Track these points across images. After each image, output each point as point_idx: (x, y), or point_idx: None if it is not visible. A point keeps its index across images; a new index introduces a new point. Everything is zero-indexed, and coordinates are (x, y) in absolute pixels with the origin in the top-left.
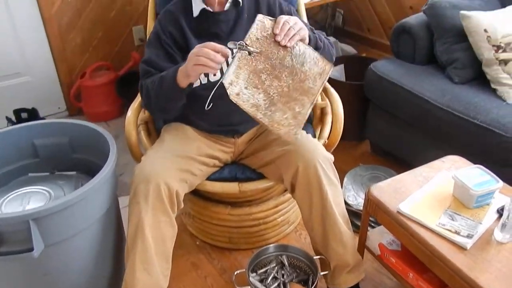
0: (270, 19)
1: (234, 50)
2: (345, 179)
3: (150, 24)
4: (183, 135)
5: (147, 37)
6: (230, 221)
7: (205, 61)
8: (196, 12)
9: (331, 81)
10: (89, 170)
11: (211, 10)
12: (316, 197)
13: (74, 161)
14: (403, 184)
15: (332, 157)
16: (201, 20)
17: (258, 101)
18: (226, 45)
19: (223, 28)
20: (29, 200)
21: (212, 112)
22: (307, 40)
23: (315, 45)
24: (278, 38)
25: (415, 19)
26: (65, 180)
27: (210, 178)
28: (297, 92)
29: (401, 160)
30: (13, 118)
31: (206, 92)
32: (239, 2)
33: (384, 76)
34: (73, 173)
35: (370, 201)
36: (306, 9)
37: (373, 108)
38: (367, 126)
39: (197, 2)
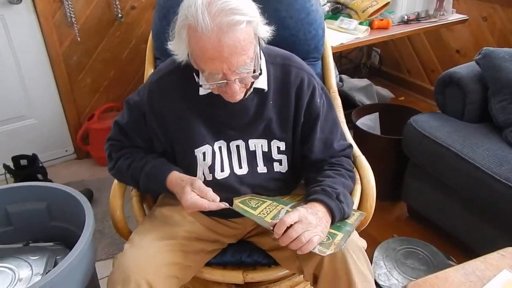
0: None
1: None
2: (376, 253)
3: (148, 70)
4: (179, 216)
5: (133, 93)
6: None
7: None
8: (203, 91)
9: (362, 134)
10: (68, 240)
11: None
12: None
13: (51, 229)
14: (449, 285)
15: (365, 245)
16: (208, 101)
17: None
18: (239, 136)
19: (239, 119)
20: None
21: (221, 211)
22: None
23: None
24: (276, 236)
25: (465, 69)
26: (38, 255)
27: (209, 262)
28: None
29: (443, 232)
30: (11, 165)
31: (212, 189)
32: (264, 89)
33: (426, 134)
34: (49, 244)
35: None
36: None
37: (412, 167)
38: (405, 186)
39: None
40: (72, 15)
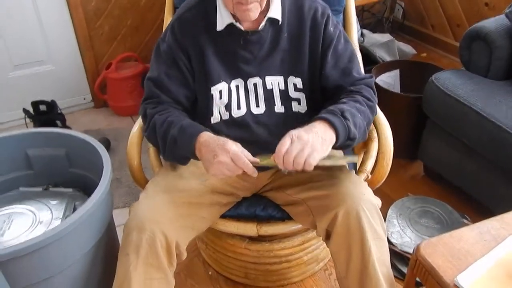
0: None
1: None
2: (389, 211)
3: (167, 19)
4: (194, 167)
5: (156, 44)
6: (247, 256)
7: (229, 174)
8: (220, 26)
9: (381, 91)
10: (86, 187)
11: (241, 28)
12: (356, 251)
13: (70, 175)
14: (464, 244)
15: (379, 203)
16: (226, 36)
17: None
18: (256, 72)
19: (254, 51)
20: (10, 224)
21: None
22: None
23: (344, 143)
24: (280, 167)
25: (494, 23)
26: (58, 199)
27: (223, 215)
28: None
29: (460, 191)
30: (31, 110)
31: (228, 130)
32: (278, 20)
33: (448, 92)
34: (68, 190)
35: (419, 263)
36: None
37: (431, 126)
38: (422, 145)
39: (223, 14)
40: None
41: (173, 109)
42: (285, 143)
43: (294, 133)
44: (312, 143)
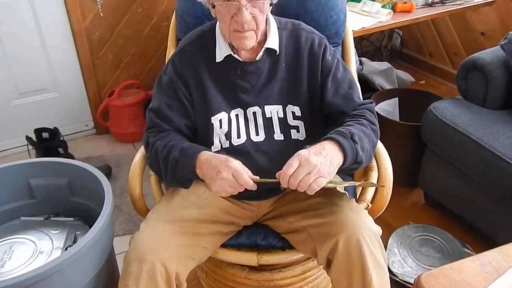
0: None
1: None
2: (390, 240)
3: (170, 50)
4: (195, 197)
5: (158, 76)
6: (247, 286)
7: (230, 190)
8: (219, 57)
9: (381, 119)
10: (88, 216)
11: (239, 59)
12: (357, 280)
13: (72, 204)
14: (464, 276)
15: (380, 231)
16: (224, 67)
17: None
18: (255, 102)
19: (252, 81)
20: (11, 254)
21: None
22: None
23: (350, 166)
24: (283, 186)
25: (489, 54)
26: (59, 229)
27: (224, 244)
28: None
29: (460, 219)
30: (34, 138)
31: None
32: (275, 50)
33: (446, 121)
34: (70, 219)
35: None
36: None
37: (430, 154)
38: (422, 173)
39: (222, 46)
40: None
41: (174, 135)
42: (293, 165)
43: (303, 154)
44: (320, 168)
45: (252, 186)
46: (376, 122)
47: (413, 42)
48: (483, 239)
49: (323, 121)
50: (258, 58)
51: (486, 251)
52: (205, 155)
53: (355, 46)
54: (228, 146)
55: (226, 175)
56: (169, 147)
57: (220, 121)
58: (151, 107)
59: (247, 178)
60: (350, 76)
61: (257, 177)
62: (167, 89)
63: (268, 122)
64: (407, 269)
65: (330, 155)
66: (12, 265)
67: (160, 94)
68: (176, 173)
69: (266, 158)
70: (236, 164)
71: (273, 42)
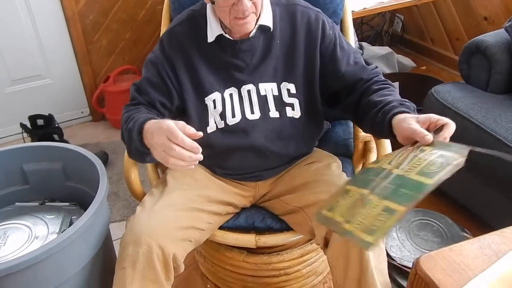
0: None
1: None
2: None
3: (164, 31)
4: (191, 179)
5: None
6: (245, 269)
7: (175, 162)
8: (211, 37)
9: None
10: (83, 201)
11: (231, 38)
12: (354, 259)
13: (67, 189)
14: (463, 258)
15: None
16: (217, 47)
17: None
18: (249, 80)
19: (247, 59)
20: (6, 239)
21: (234, 162)
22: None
23: None
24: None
25: (493, 37)
26: (54, 214)
27: (222, 226)
28: None
29: (460, 205)
30: (28, 125)
31: (224, 138)
32: (269, 27)
33: (448, 105)
34: (65, 204)
35: (418, 277)
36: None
37: None
38: None
39: (213, 25)
40: None
41: (144, 108)
42: (418, 127)
43: (411, 118)
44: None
45: (191, 146)
46: None
47: (415, 27)
48: (482, 225)
49: (319, 98)
50: (251, 35)
51: None
52: (149, 123)
53: (356, 31)
54: (223, 126)
55: (160, 139)
56: (131, 119)
57: (214, 101)
58: (134, 82)
59: (182, 136)
60: (353, 48)
61: (200, 133)
62: (151, 66)
63: (263, 100)
64: (405, 253)
65: None
66: (7, 250)
67: (144, 72)
68: (131, 144)
69: (262, 136)
70: (169, 122)
71: (266, 18)
